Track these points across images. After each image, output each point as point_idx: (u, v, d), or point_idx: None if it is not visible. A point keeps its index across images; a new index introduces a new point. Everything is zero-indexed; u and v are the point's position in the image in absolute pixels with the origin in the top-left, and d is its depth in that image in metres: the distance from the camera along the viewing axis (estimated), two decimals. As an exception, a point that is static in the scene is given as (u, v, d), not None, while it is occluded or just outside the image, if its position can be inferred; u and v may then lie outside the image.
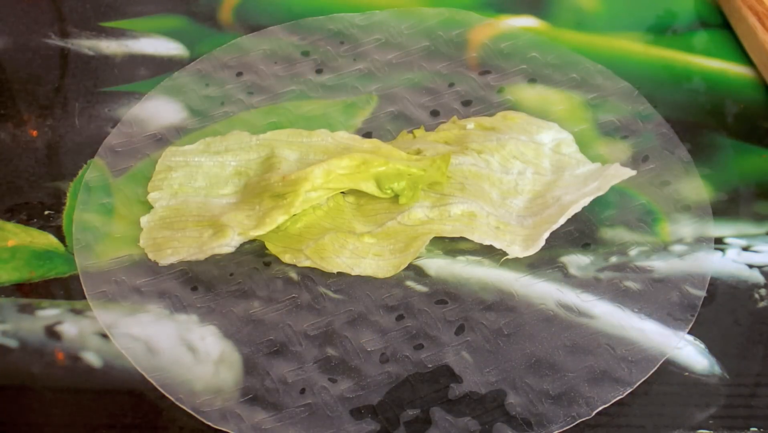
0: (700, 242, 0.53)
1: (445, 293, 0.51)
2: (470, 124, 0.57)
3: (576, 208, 0.52)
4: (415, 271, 0.52)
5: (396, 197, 0.53)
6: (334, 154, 0.55)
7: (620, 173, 0.53)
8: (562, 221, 0.51)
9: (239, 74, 0.61)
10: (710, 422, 0.46)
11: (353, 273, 0.51)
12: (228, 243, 0.52)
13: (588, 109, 0.59)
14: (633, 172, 0.53)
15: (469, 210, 0.53)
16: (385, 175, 0.53)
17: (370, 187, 0.53)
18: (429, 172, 0.53)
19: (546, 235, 0.51)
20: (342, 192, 0.54)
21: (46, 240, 0.53)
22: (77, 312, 0.50)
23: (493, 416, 0.46)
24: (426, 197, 0.53)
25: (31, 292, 0.51)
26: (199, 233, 0.53)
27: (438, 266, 0.52)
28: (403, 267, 0.51)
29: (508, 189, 0.54)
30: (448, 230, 0.52)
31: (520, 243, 0.52)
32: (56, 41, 0.64)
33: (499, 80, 0.61)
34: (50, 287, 0.51)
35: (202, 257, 0.52)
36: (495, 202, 0.53)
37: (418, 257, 0.52)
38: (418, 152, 0.55)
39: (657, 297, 0.50)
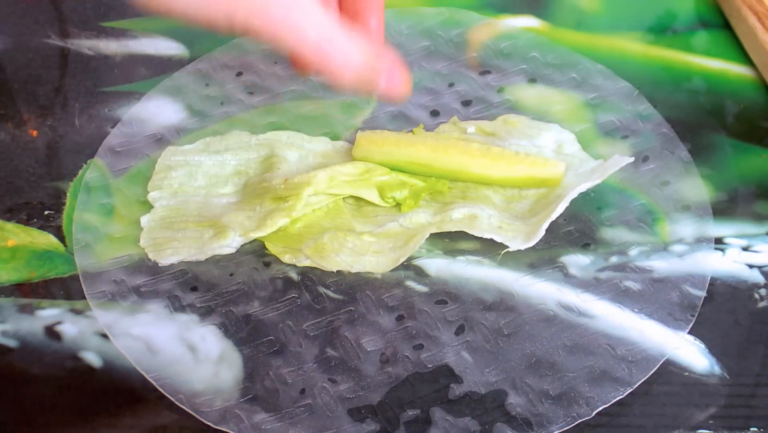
0: (700, 242, 0.53)
1: (445, 293, 0.51)
2: (471, 127, 0.57)
3: (573, 194, 0.52)
4: (415, 271, 0.52)
5: (397, 205, 0.54)
6: (334, 158, 0.55)
7: (619, 162, 0.53)
8: (560, 209, 0.51)
9: (239, 74, 0.61)
10: (710, 422, 0.46)
11: (353, 270, 0.51)
12: (229, 244, 0.52)
13: (588, 109, 0.59)
14: (631, 159, 0.53)
15: (471, 213, 0.53)
16: (387, 185, 0.53)
17: (371, 195, 0.53)
18: (430, 182, 0.54)
19: (546, 225, 0.51)
20: (342, 194, 0.54)
21: (46, 240, 0.53)
22: (77, 312, 0.50)
23: (493, 416, 0.46)
24: (428, 206, 0.53)
25: (31, 292, 0.51)
26: (200, 233, 0.53)
27: (438, 266, 0.52)
28: (402, 260, 0.51)
29: (512, 195, 0.54)
30: (449, 227, 0.52)
31: (522, 237, 0.52)
32: (56, 41, 0.64)
33: (499, 80, 0.61)
34: (50, 287, 0.51)
35: (202, 257, 0.52)
36: (498, 206, 0.53)
37: (418, 257, 0.52)
38: None
39: (657, 297, 0.50)
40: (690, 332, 0.49)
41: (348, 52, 0.45)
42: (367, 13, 0.49)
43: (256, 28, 0.43)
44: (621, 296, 0.51)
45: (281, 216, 0.52)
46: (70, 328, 0.49)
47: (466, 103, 0.60)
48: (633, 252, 0.52)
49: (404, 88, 0.47)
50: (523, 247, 0.52)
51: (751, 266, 0.52)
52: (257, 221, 0.52)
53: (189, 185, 0.55)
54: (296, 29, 0.44)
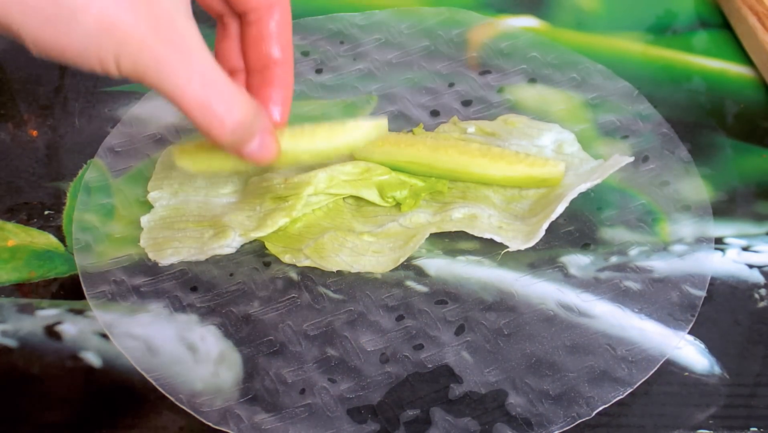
0: (700, 242, 0.53)
1: (445, 293, 0.51)
2: (471, 127, 0.57)
3: (573, 194, 0.52)
4: (415, 271, 0.52)
5: (397, 205, 0.54)
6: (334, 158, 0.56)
7: (619, 162, 0.53)
8: (560, 209, 0.51)
9: (239, 74, 0.61)
10: (710, 422, 0.46)
11: (353, 270, 0.51)
12: (229, 244, 0.52)
13: (588, 109, 0.59)
14: (631, 159, 0.53)
15: (470, 213, 0.53)
16: (387, 184, 0.53)
17: (371, 195, 0.53)
18: (430, 182, 0.54)
19: (546, 225, 0.51)
20: (342, 193, 0.54)
21: (46, 240, 0.53)
22: (77, 312, 0.50)
23: (493, 417, 0.46)
24: (428, 207, 0.53)
25: (31, 292, 0.51)
26: (200, 233, 0.52)
27: (438, 266, 0.52)
28: (402, 260, 0.51)
29: (512, 195, 0.54)
30: (449, 227, 0.52)
31: (522, 237, 0.52)
32: (56, 41, 0.64)
33: (499, 80, 0.61)
34: (50, 287, 0.51)
35: (202, 257, 0.52)
36: (498, 206, 0.53)
37: (418, 257, 0.52)
38: None
39: (657, 297, 0.50)
40: (690, 332, 0.49)
41: (229, 106, 0.43)
42: (274, 89, 0.48)
43: (137, 74, 0.40)
44: (621, 296, 0.51)
45: (281, 216, 0.52)
46: (70, 328, 0.49)
47: (466, 103, 0.60)
48: (633, 252, 0.52)
49: (271, 156, 0.46)
50: (523, 247, 0.52)
51: (751, 266, 0.52)
52: (257, 220, 0.52)
53: (189, 185, 0.55)
54: (179, 76, 0.40)
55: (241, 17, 0.48)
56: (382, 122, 0.51)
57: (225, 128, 0.43)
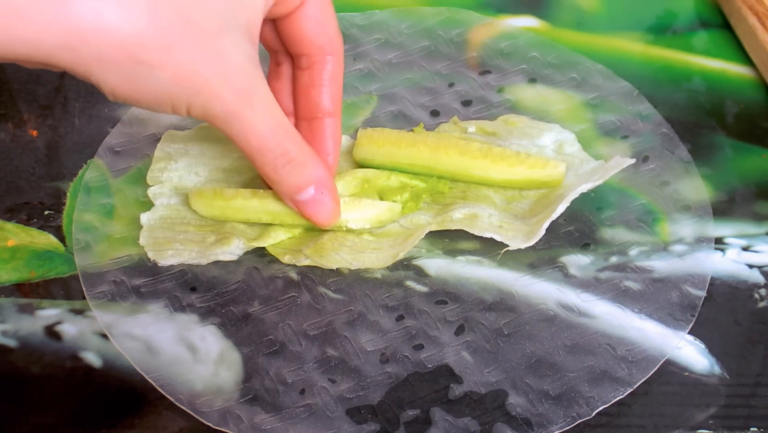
0: (700, 242, 0.53)
1: (445, 293, 0.51)
2: (471, 127, 0.57)
3: (574, 195, 0.52)
4: (415, 271, 0.52)
5: None
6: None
7: (620, 163, 0.53)
8: (561, 209, 0.51)
9: (239, 74, 0.61)
10: (710, 422, 0.46)
11: (352, 267, 0.51)
12: (232, 251, 0.52)
13: (588, 109, 0.59)
14: (632, 161, 0.53)
15: (471, 212, 0.53)
16: (388, 189, 0.53)
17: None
18: (431, 182, 0.54)
19: (546, 224, 0.51)
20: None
21: (46, 240, 0.53)
22: (77, 312, 0.50)
23: (493, 417, 0.46)
24: (429, 209, 0.53)
25: (31, 292, 0.51)
26: (202, 237, 0.52)
27: (438, 266, 0.52)
28: (401, 255, 0.51)
29: (513, 195, 0.54)
30: (450, 226, 0.52)
31: (522, 237, 0.52)
32: (56, 41, 0.64)
33: (499, 80, 0.61)
34: (50, 287, 0.51)
35: (204, 261, 0.52)
36: (499, 206, 0.53)
37: (418, 257, 0.52)
38: None
39: (657, 297, 0.50)
40: (690, 332, 0.49)
41: (285, 149, 0.46)
42: (323, 141, 0.50)
43: (205, 118, 0.44)
44: (621, 296, 0.51)
45: (283, 229, 0.52)
46: (70, 328, 0.49)
47: (466, 103, 0.60)
48: (633, 252, 0.52)
49: (332, 219, 0.49)
50: (523, 246, 0.52)
51: (751, 266, 0.52)
52: (259, 228, 0.52)
53: (189, 180, 0.54)
54: (243, 123, 0.44)
55: (294, 59, 0.49)
56: (395, 207, 0.52)
57: (288, 189, 0.47)
